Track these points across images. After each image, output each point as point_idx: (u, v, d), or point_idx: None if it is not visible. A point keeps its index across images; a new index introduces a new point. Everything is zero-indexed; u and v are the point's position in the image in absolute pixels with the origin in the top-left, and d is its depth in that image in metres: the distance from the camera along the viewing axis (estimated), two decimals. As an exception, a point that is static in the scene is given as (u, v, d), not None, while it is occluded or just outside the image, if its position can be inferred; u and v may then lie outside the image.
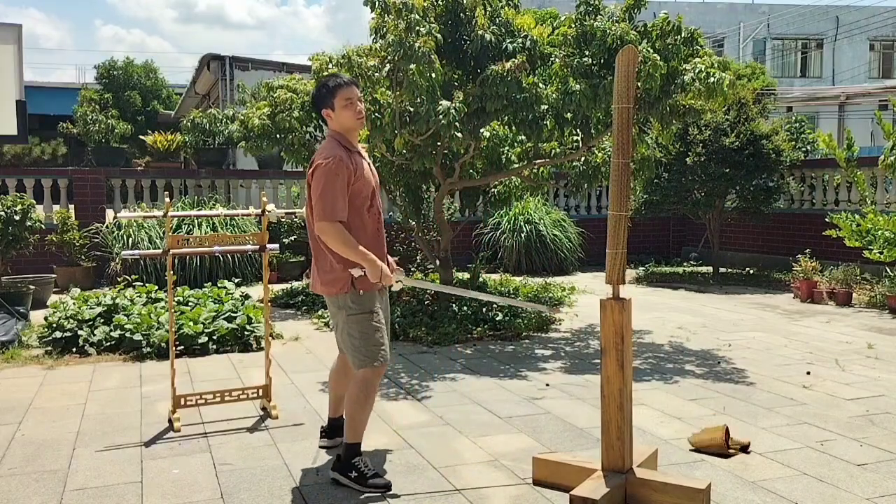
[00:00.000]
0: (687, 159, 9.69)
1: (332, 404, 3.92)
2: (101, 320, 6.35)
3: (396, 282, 3.49)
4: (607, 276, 3.26)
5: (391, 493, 3.33)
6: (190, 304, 6.85)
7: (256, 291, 7.81)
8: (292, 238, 10.57)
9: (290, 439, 4.06)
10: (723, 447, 3.74)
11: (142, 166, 13.52)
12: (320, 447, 3.92)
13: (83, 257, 9.66)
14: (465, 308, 7.11)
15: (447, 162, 7.10)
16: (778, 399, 4.77)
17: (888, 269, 8.59)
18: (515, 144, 7.21)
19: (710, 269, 10.84)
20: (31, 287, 7.80)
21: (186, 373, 5.46)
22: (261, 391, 4.51)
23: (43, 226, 8.33)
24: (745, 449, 3.85)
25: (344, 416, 3.51)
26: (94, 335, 6.10)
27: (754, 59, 30.22)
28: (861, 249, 7.56)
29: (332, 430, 3.92)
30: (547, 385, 5.12)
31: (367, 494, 3.33)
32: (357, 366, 3.44)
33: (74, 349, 6.03)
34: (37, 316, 7.26)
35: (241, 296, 7.13)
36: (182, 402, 4.32)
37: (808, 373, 5.42)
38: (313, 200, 3.39)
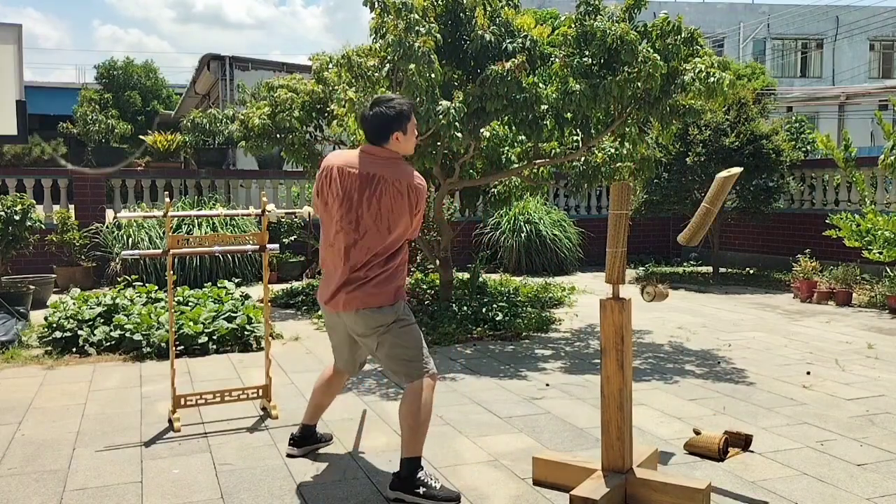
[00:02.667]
0: (687, 159, 9.69)
1: (310, 412, 3.82)
2: (101, 320, 6.35)
3: None
4: (607, 275, 3.26)
5: (395, 495, 3.33)
6: (190, 304, 6.85)
7: (256, 291, 7.81)
8: (292, 238, 10.57)
9: (290, 439, 4.05)
10: (716, 454, 3.71)
11: (141, 166, 13.52)
12: (288, 455, 3.77)
13: (83, 257, 9.66)
14: (465, 308, 7.11)
15: (447, 162, 7.09)
16: (778, 399, 4.77)
17: (888, 269, 8.59)
18: (515, 144, 7.20)
19: (710, 269, 10.84)
20: (31, 287, 7.80)
21: (186, 373, 5.46)
22: (261, 391, 4.51)
23: (43, 226, 8.33)
24: (747, 444, 3.85)
25: (403, 430, 3.30)
26: (94, 335, 6.10)
27: (754, 59, 30.24)
28: (861, 249, 7.58)
29: (304, 438, 3.81)
30: (547, 385, 5.12)
31: (367, 497, 3.33)
32: (415, 376, 3.32)
33: (74, 349, 6.03)
34: (37, 316, 7.26)
35: (241, 296, 7.13)
36: (182, 402, 4.32)
37: (808, 373, 5.42)
38: (415, 218, 3.41)
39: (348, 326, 3.45)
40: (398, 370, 3.39)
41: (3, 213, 7.62)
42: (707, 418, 4.39)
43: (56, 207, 10.33)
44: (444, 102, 5.69)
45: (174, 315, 4.47)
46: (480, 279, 8.49)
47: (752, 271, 10.92)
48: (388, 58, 5.79)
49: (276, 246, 4.75)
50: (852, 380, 5.25)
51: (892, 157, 7.52)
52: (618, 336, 3.19)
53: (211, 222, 9.87)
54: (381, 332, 3.34)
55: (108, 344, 6.08)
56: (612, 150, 7.12)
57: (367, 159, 3.38)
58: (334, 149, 8.14)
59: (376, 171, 3.34)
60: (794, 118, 16.96)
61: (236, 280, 8.52)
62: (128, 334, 6.04)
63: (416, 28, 5.66)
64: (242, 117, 7.82)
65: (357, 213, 3.32)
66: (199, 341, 6.08)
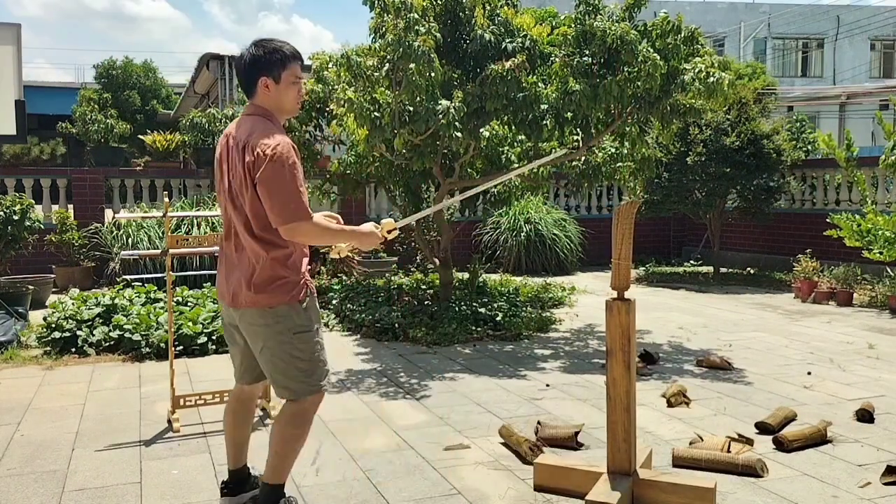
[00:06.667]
0: (687, 159, 9.68)
1: (233, 453, 3.17)
2: (100, 320, 6.33)
3: (389, 232, 3.03)
4: (612, 279, 3.23)
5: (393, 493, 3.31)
6: (189, 304, 6.84)
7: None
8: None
9: (290, 440, 4.03)
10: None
11: (140, 166, 13.51)
12: None
13: (82, 257, 9.64)
14: (465, 308, 7.10)
15: (447, 162, 7.08)
16: (778, 399, 4.76)
17: (888, 269, 8.58)
18: (515, 144, 7.19)
19: (711, 269, 10.83)
20: (30, 287, 7.79)
21: (185, 373, 5.45)
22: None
23: (42, 226, 8.32)
24: (749, 443, 3.85)
25: (270, 453, 2.89)
26: (93, 335, 6.09)
27: (755, 58, 30.22)
28: (861, 249, 7.57)
29: (238, 483, 3.19)
30: (547, 385, 5.11)
31: (367, 497, 3.31)
32: (299, 393, 2.84)
33: (73, 349, 6.02)
34: (36, 316, 7.25)
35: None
36: (181, 403, 4.31)
37: (809, 373, 5.40)
38: (264, 198, 2.69)
39: (241, 329, 2.93)
40: (283, 381, 2.92)
41: (1, 213, 7.61)
42: (707, 418, 4.37)
43: (55, 207, 10.31)
44: (444, 102, 5.68)
45: (173, 315, 4.46)
46: (480, 279, 8.48)
47: (752, 271, 10.91)
48: (388, 57, 5.77)
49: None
50: (853, 380, 5.23)
51: (893, 157, 7.51)
52: (624, 337, 3.16)
53: (210, 222, 9.84)
54: (264, 332, 2.85)
55: (107, 344, 6.07)
56: (613, 150, 7.11)
57: (240, 121, 2.86)
58: (334, 149, 8.14)
59: (231, 130, 2.85)
60: (794, 118, 16.95)
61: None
62: (127, 334, 6.03)
63: (416, 27, 5.65)
64: (242, 117, 7.79)
65: (221, 185, 2.88)
66: (199, 341, 6.07)
